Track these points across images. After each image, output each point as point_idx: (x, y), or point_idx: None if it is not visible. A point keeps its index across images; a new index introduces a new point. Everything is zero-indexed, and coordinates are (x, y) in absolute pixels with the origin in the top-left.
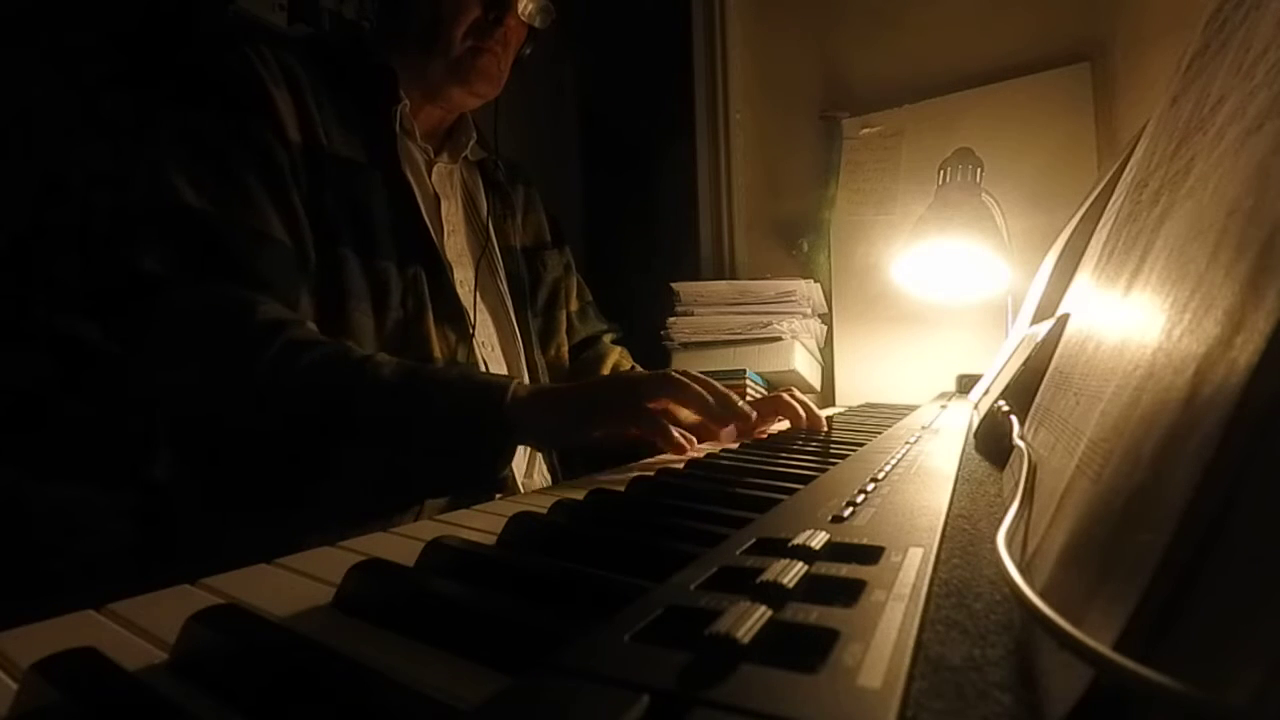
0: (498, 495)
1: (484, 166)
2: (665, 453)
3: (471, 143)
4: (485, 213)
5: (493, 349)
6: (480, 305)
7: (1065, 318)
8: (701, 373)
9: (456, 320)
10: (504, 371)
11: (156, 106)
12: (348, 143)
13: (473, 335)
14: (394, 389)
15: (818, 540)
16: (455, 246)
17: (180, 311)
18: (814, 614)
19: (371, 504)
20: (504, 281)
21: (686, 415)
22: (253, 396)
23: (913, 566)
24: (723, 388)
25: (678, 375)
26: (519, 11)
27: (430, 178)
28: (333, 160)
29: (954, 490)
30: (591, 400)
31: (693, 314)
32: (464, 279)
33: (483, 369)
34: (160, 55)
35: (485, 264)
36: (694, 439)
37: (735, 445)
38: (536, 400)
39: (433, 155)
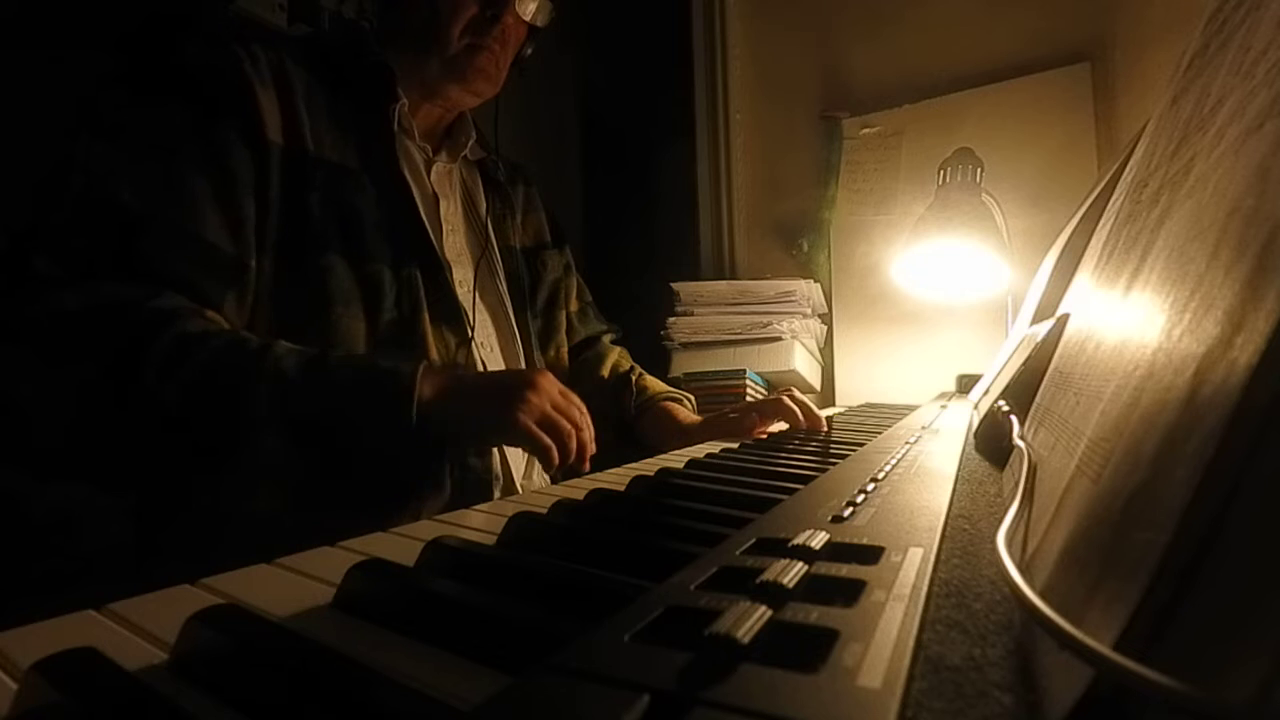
0: (496, 494)
1: (483, 166)
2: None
3: (471, 142)
4: (485, 212)
5: (491, 349)
6: (479, 305)
7: (1065, 318)
8: (702, 372)
9: (454, 320)
10: None
11: (126, 102)
12: (341, 144)
13: (471, 336)
14: (292, 378)
15: (818, 540)
16: (454, 246)
17: (62, 313)
18: (814, 614)
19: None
20: (503, 281)
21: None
22: (142, 394)
23: (913, 566)
24: (578, 412)
25: (537, 394)
26: (517, 9)
27: (429, 177)
28: (320, 163)
29: (954, 490)
30: (472, 405)
31: (693, 314)
32: (463, 279)
33: (481, 369)
34: (160, 55)
35: (485, 264)
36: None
37: (735, 445)
38: (448, 386)
39: (431, 154)
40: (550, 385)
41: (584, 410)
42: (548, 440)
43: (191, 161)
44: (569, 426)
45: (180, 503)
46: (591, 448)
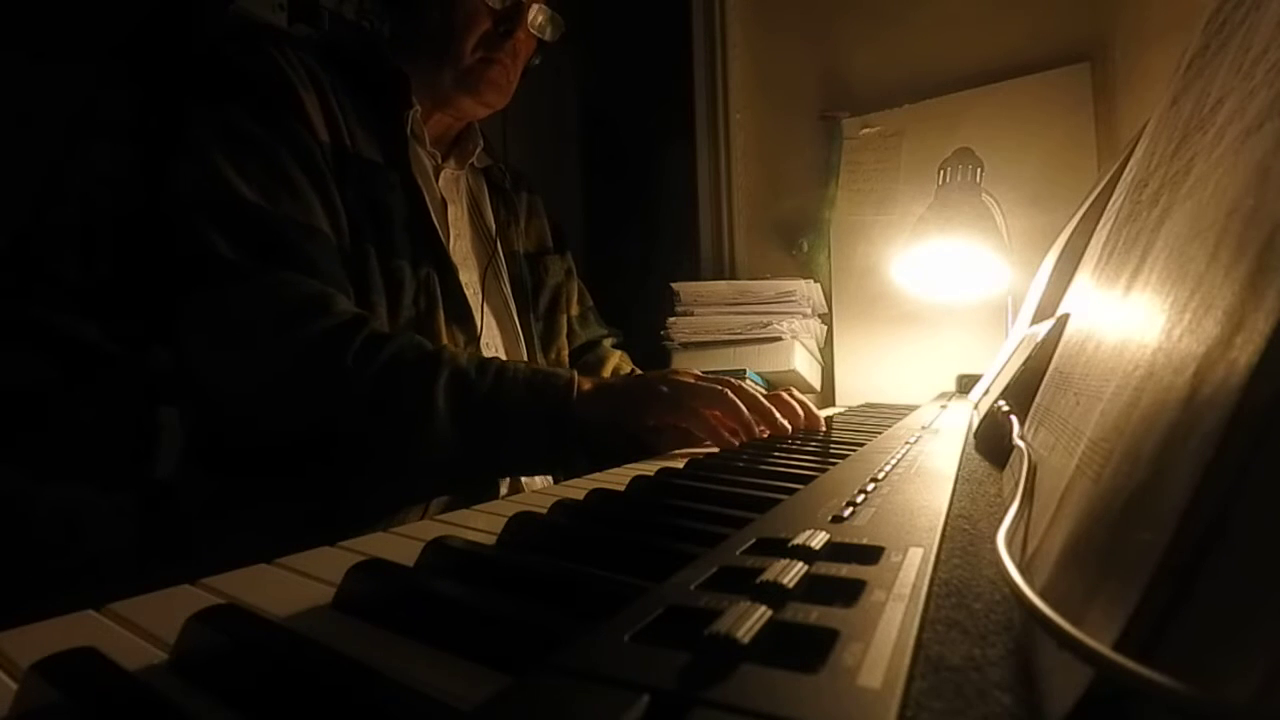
0: (502, 494)
1: (489, 173)
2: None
3: (478, 150)
4: (490, 218)
5: (497, 350)
6: (485, 308)
7: (1065, 318)
8: (703, 373)
9: (465, 321)
10: None
11: (191, 102)
12: (367, 144)
13: (479, 337)
14: (469, 372)
15: (818, 540)
16: (460, 250)
17: (263, 299)
18: (814, 614)
19: (435, 491)
20: (508, 285)
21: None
22: (339, 387)
23: (913, 566)
24: (764, 401)
25: (730, 393)
26: (529, 24)
27: (438, 183)
28: (356, 160)
29: (954, 490)
30: (650, 391)
31: (693, 314)
32: (469, 282)
33: None
34: (160, 55)
35: (491, 268)
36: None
37: (735, 445)
38: (597, 392)
39: (440, 161)
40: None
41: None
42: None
43: (284, 156)
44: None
45: (208, 503)
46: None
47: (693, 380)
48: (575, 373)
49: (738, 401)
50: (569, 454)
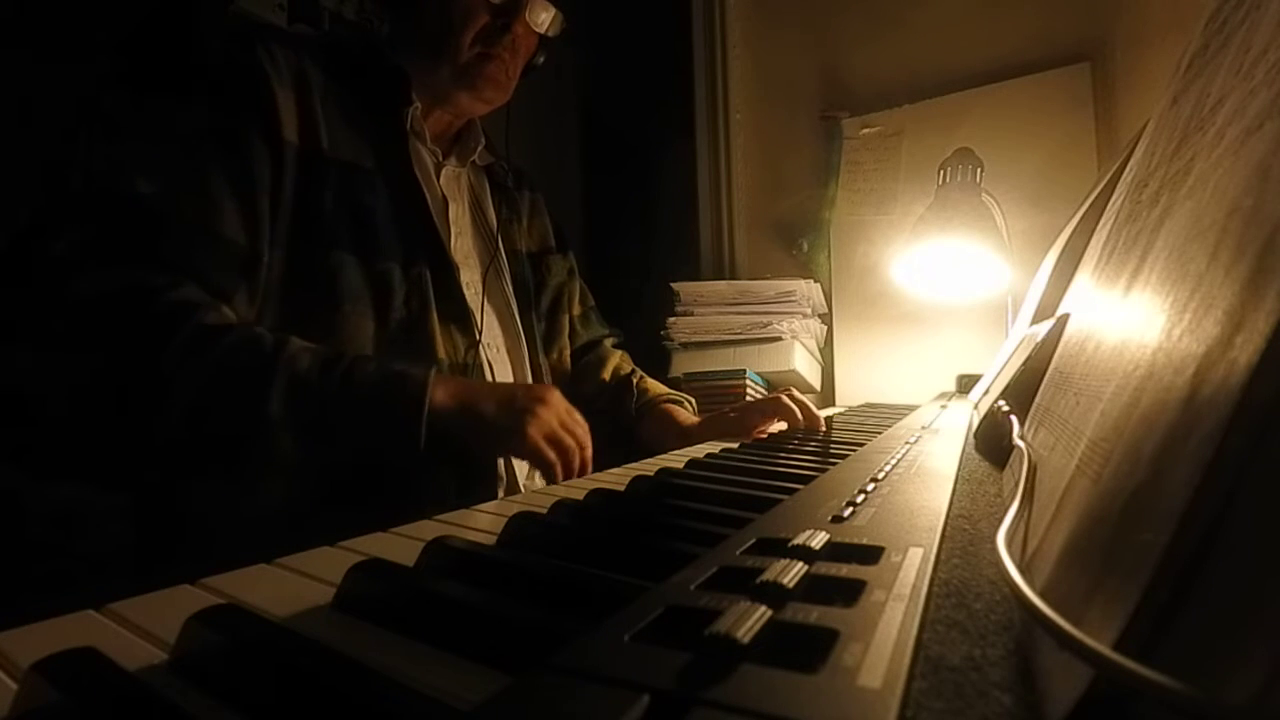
0: (500, 494)
1: (491, 171)
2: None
3: (480, 147)
4: (492, 216)
5: (498, 350)
6: (486, 307)
7: (1065, 318)
8: (702, 372)
9: (462, 321)
10: (509, 373)
11: (144, 94)
12: (355, 144)
13: (479, 338)
14: (306, 378)
15: (818, 540)
16: (462, 249)
17: (82, 296)
18: (814, 614)
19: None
20: (509, 284)
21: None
22: (159, 383)
23: (913, 566)
24: (582, 431)
25: (548, 411)
26: (528, 19)
27: (439, 180)
28: (334, 163)
29: (954, 490)
30: (494, 425)
31: (693, 314)
32: (470, 281)
33: (488, 371)
34: (160, 55)
35: (492, 267)
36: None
37: (735, 445)
38: (452, 406)
39: (441, 158)
40: (559, 402)
41: (587, 429)
42: (553, 456)
43: (211, 157)
44: (574, 444)
45: (180, 500)
46: (589, 467)
47: (539, 406)
48: (431, 375)
49: (558, 431)
50: (435, 458)
